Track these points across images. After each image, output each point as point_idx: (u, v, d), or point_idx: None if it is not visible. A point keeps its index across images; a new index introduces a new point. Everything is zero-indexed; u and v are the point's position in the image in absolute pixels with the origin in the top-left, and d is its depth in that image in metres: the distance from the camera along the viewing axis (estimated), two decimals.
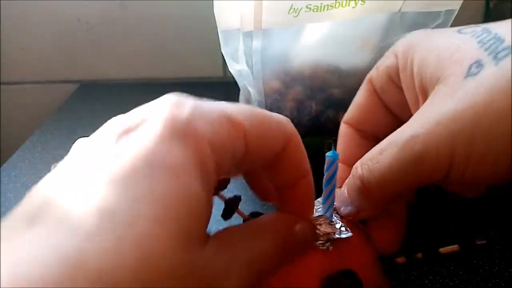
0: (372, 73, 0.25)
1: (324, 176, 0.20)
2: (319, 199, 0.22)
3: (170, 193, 0.12)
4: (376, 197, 0.20)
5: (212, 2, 0.33)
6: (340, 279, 0.19)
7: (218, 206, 0.21)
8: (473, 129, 0.16)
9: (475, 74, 0.17)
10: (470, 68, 0.17)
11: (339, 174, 0.20)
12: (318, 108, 0.37)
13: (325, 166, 0.20)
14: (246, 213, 0.22)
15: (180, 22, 0.59)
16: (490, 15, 0.55)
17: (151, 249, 0.11)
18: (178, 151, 0.13)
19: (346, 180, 0.21)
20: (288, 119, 0.17)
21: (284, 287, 0.19)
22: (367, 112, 0.25)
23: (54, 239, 0.11)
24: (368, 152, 0.20)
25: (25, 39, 0.60)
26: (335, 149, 0.20)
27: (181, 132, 0.14)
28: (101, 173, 0.13)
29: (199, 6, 0.58)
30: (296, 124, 0.37)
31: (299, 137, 0.18)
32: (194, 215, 0.13)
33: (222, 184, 0.22)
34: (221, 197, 0.22)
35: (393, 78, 0.23)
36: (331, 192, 0.20)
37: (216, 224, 0.33)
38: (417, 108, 0.20)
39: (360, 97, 0.26)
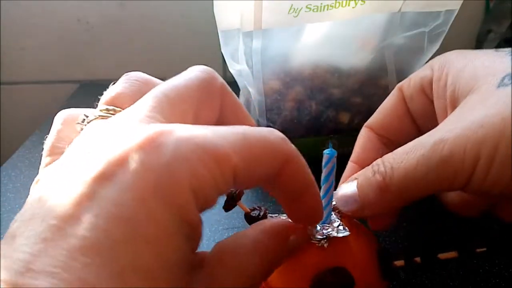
0: (404, 82, 0.26)
1: (322, 173, 0.20)
2: None
3: (153, 265, 0.12)
4: (392, 196, 0.20)
5: (212, 2, 0.33)
6: (329, 276, 0.19)
7: (219, 200, 0.21)
8: (499, 136, 0.17)
9: (507, 85, 0.18)
10: (503, 79, 0.18)
11: (350, 172, 0.20)
12: (318, 108, 0.37)
13: (323, 163, 0.20)
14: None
15: (180, 22, 0.59)
16: (490, 15, 0.55)
17: None
18: (159, 215, 0.12)
19: (357, 175, 0.22)
20: (285, 137, 0.16)
21: (278, 285, 0.19)
22: (392, 117, 0.26)
23: None
24: (391, 153, 0.20)
25: (25, 39, 0.60)
26: (333, 147, 0.20)
27: (160, 188, 0.13)
28: (76, 240, 0.12)
29: (199, 6, 0.58)
30: (296, 124, 0.37)
31: (298, 155, 0.16)
32: (177, 280, 0.13)
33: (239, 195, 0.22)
34: None
35: (425, 88, 0.24)
36: (329, 188, 0.21)
37: (216, 224, 0.33)
38: (444, 117, 0.21)
39: (387, 103, 0.27)
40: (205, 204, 0.14)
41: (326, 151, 0.20)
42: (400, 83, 0.27)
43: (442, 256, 0.20)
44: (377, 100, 0.38)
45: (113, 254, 0.12)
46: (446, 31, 0.35)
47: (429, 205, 0.34)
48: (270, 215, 0.22)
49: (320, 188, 0.22)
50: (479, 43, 0.56)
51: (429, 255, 0.20)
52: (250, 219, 0.22)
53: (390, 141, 0.26)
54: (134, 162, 0.13)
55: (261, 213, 0.22)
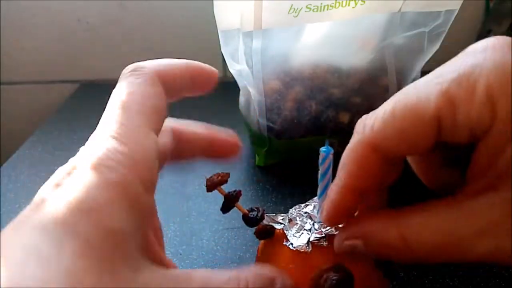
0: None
1: (319, 171, 0.20)
2: (314, 198, 0.23)
3: (91, 232, 0.14)
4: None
5: (212, 2, 0.33)
6: (329, 273, 0.19)
7: (218, 200, 0.21)
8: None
9: None
10: None
11: (344, 202, 0.19)
12: (318, 108, 0.37)
13: (319, 161, 0.20)
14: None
15: (180, 22, 0.59)
16: (490, 15, 0.55)
17: (76, 279, 0.13)
18: (101, 193, 0.14)
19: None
20: None
21: None
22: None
23: None
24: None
25: (25, 39, 0.60)
26: (331, 146, 0.20)
27: (105, 173, 0.15)
28: (32, 220, 0.14)
29: (199, 6, 0.58)
30: (296, 124, 0.37)
31: None
32: (117, 247, 0.14)
33: (222, 179, 0.22)
34: (221, 192, 0.22)
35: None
36: (326, 186, 0.20)
37: (216, 224, 0.33)
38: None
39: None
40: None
41: (322, 149, 0.20)
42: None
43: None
44: (377, 100, 0.39)
45: (57, 222, 0.13)
46: (446, 31, 0.35)
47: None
48: (268, 215, 0.22)
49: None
50: None
51: (384, 262, 0.20)
52: (248, 220, 0.22)
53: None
54: (83, 162, 0.16)
55: (259, 214, 0.22)
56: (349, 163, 0.18)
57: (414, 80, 0.38)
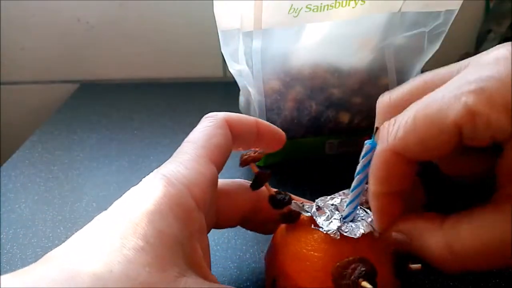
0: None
1: (359, 164, 0.20)
2: (344, 191, 0.23)
3: (150, 232, 0.16)
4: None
5: (212, 2, 0.33)
6: (358, 264, 0.19)
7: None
8: None
9: None
10: None
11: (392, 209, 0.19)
12: (318, 108, 0.37)
13: (362, 153, 0.20)
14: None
15: (180, 22, 0.59)
16: (490, 15, 0.55)
17: (134, 271, 0.15)
18: (162, 202, 0.18)
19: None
20: None
21: (305, 285, 0.20)
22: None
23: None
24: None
25: (25, 39, 0.60)
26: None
27: (167, 187, 0.19)
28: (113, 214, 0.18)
29: (199, 6, 0.58)
30: (296, 124, 0.37)
31: None
32: (168, 249, 0.17)
33: (258, 156, 0.23)
34: (254, 168, 0.23)
35: None
36: (362, 180, 0.20)
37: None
38: None
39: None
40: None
41: (367, 142, 0.20)
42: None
43: (412, 267, 0.20)
44: (377, 100, 0.39)
45: (125, 220, 0.17)
46: (446, 31, 0.35)
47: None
48: (294, 201, 0.23)
49: (326, 191, 0.23)
50: (479, 43, 0.56)
51: (400, 264, 0.20)
52: (276, 202, 0.23)
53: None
54: None
55: (287, 198, 0.23)
56: (378, 171, 0.19)
57: None
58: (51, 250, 0.16)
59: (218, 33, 0.34)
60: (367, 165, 0.20)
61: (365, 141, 0.20)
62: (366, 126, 0.38)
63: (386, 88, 0.38)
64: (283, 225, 0.23)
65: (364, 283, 0.18)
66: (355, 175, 0.20)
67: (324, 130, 0.38)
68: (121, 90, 0.59)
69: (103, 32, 0.60)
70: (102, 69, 0.62)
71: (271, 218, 0.23)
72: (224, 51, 0.35)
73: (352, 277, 0.18)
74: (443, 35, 0.35)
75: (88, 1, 0.58)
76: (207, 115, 0.23)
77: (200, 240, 0.19)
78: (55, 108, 0.56)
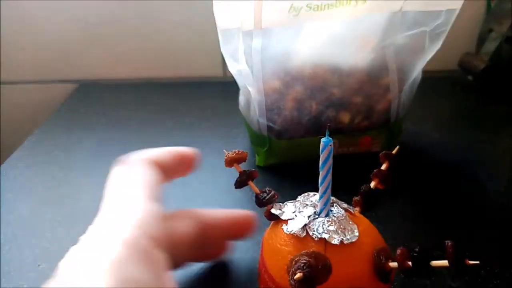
0: None
1: (320, 160, 0.21)
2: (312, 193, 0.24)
3: (114, 284, 0.16)
4: None
5: (212, 2, 0.33)
6: (303, 256, 0.19)
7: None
8: None
9: None
10: None
11: None
12: (318, 107, 0.37)
13: (320, 150, 0.21)
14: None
15: (180, 21, 0.59)
16: (491, 14, 0.55)
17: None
18: (118, 249, 0.17)
19: None
20: None
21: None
22: None
23: None
24: None
25: (25, 39, 0.60)
26: (330, 135, 0.21)
27: (120, 233, 0.18)
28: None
29: (199, 6, 0.58)
30: (296, 124, 0.37)
31: None
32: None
33: (240, 156, 0.24)
34: (237, 168, 0.24)
35: None
36: (325, 176, 0.21)
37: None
38: None
39: None
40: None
41: (322, 139, 0.21)
42: None
43: (435, 264, 0.19)
44: (378, 100, 0.38)
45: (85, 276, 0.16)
46: (447, 31, 0.35)
47: (437, 203, 0.34)
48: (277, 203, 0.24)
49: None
50: (480, 43, 0.56)
51: (421, 261, 0.20)
52: (258, 201, 0.24)
53: None
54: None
55: (268, 196, 0.23)
56: None
57: (415, 79, 0.38)
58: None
59: (217, 33, 0.34)
60: (326, 160, 0.21)
61: (321, 139, 0.21)
62: (366, 126, 0.38)
63: (387, 88, 0.37)
64: (272, 223, 0.24)
65: (298, 275, 0.18)
66: (320, 169, 0.21)
67: (324, 130, 0.38)
68: (120, 90, 0.59)
69: (103, 31, 0.60)
70: (101, 69, 0.62)
71: (222, 235, 0.26)
72: (223, 50, 0.35)
73: (293, 268, 0.18)
74: (444, 35, 0.35)
75: (87, 1, 0.58)
76: (123, 160, 0.24)
77: (168, 279, 0.19)
78: (55, 107, 0.56)
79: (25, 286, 0.27)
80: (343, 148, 0.39)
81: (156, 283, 0.17)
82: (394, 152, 0.25)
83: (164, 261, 0.19)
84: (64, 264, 0.17)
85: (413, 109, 0.41)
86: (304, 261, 0.18)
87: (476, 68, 0.53)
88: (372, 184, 0.24)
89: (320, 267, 0.18)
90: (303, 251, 0.19)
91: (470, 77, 0.55)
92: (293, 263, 0.18)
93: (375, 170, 0.24)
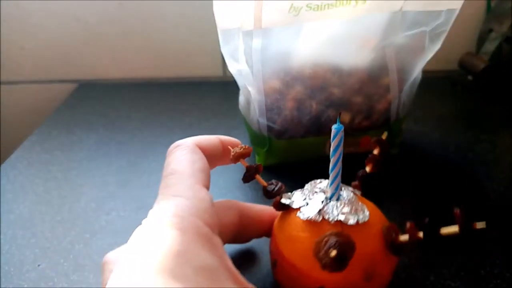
0: None
1: (331, 146, 0.22)
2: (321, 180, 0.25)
3: (187, 272, 0.16)
4: None
5: (212, 2, 0.33)
6: (331, 237, 0.20)
7: (240, 171, 0.24)
8: None
9: None
10: None
11: None
12: (319, 107, 0.37)
13: (331, 137, 0.22)
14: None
15: (180, 21, 0.59)
16: (492, 14, 0.55)
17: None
18: (182, 239, 0.17)
19: None
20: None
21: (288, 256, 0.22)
22: None
23: None
24: None
25: (25, 39, 0.60)
26: (341, 122, 0.22)
27: (179, 223, 0.18)
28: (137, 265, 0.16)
29: (199, 6, 0.58)
30: (296, 124, 0.37)
31: None
32: (212, 281, 0.17)
33: (245, 151, 0.24)
34: (243, 163, 0.25)
35: None
36: (337, 161, 0.22)
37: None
38: None
39: None
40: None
41: (334, 126, 0.22)
42: None
43: (444, 231, 0.20)
44: (378, 100, 0.38)
45: (156, 269, 0.16)
46: (447, 31, 0.35)
47: (440, 180, 0.34)
48: (286, 193, 0.25)
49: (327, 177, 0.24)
50: (480, 42, 0.56)
51: (431, 230, 0.21)
52: (267, 193, 0.25)
53: None
54: None
55: (276, 188, 0.25)
56: None
57: (415, 79, 0.38)
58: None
59: (217, 33, 0.34)
60: (337, 146, 0.22)
61: (332, 126, 0.22)
62: (366, 126, 0.38)
63: (387, 87, 0.37)
64: (280, 213, 0.25)
65: (333, 252, 0.19)
66: (331, 156, 0.23)
67: (324, 130, 0.38)
68: (120, 90, 0.59)
69: (102, 31, 0.60)
70: (101, 69, 0.62)
71: (261, 228, 0.27)
72: (223, 50, 0.35)
73: (325, 247, 0.20)
74: (444, 35, 0.35)
75: (87, 1, 0.58)
76: (175, 145, 0.23)
77: (228, 259, 0.19)
78: (54, 107, 0.56)
79: (25, 286, 0.27)
80: (343, 148, 0.39)
81: (224, 268, 0.18)
82: (383, 137, 0.26)
83: (222, 246, 0.20)
84: (128, 255, 0.17)
85: (413, 109, 0.41)
86: (335, 240, 0.20)
87: (476, 68, 0.53)
88: (367, 169, 0.26)
89: (348, 244, 0.20)
90: (327, 232, 0.20)
91: (470, 77, 0.55)
92: (323, 244, 0.20)
93: (369, 155, 0.26)
